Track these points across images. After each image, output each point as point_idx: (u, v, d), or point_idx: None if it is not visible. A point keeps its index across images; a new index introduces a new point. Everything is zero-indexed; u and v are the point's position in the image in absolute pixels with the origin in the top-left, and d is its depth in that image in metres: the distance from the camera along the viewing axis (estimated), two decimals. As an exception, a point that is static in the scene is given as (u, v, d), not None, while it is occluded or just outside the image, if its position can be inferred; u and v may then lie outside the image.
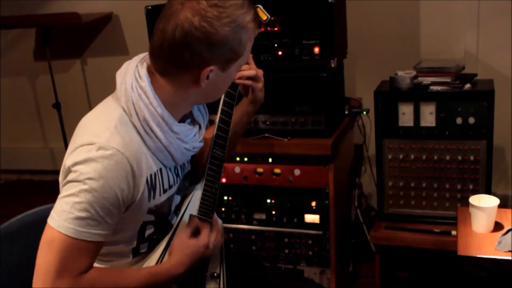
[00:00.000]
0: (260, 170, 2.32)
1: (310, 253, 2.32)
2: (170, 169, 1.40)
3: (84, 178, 1.19)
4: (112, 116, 1.28)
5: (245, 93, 1.67)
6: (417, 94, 2.21)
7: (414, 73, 2.29)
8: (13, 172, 3.97)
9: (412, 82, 2.25)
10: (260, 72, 1.64)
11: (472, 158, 2.17)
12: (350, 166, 2.68)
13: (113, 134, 1.24)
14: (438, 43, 2.72)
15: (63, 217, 1.19)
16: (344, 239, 2.53)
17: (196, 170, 1.59)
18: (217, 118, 1.54)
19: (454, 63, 2.32)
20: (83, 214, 1.19)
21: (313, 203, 2.28)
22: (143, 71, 1.31)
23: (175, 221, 1.46)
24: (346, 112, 2.51)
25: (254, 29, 1.30)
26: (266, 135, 2.28)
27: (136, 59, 1.36)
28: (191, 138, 1.40)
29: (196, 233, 1.46)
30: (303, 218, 2.30)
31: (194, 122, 1.45)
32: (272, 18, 2.17)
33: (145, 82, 1.29)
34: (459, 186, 2.22)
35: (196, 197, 1.50)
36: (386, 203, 2.34)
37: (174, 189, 1.43)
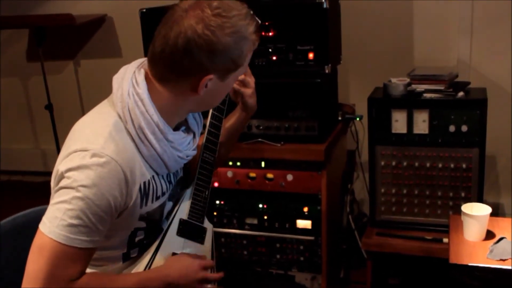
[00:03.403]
0: (252, 174, 2.31)
1: (302, 258, 2.32)
2: (163, 176, 1.39)
3: (77, 185, 1.18)
4: (107, 122, 1.27)
5: (235, 99, 1.67)
6: (411, 101, 2.22)
7: (407, 80, 2.29)
8: (3, 173, 3.94)
9: (405, 89, 2.26)
10: (252, 80, 1.62)
11: (464, 166, 2.18)
12: (342, 172, 2.68)
13: (107, 141, 1.23)
14: (432, 50, 2.73)
15: (54, 223, 1.18)
16: (336, 245, 2.53)
17: (188, 174, 1.58)
18: (207, 122, 1.54)
19: (447, 71, 2.32)
20: (75, 221, 1.18)
21: (305, 209, 2.27)
22: (141, 78, 1.29)
23: (165, 225, 1.45)
24: (340, 118, 2.51)
25: (255, 41, 1.29)
26: (259, 140, 2.27)
27: (134, 64, 1.34)
28: (185, 146, 1.39)
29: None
30: (295, 223, 2.30)
31: (188, 130, 1.44)
32: (266, 23, 2.19)
33: (142, 89, 1.27)
34: (451, 194, 2.23)
35: (186, 201, 1.49)
36: (378, 210, 2.34)
37: (166, 195, 1.42)
